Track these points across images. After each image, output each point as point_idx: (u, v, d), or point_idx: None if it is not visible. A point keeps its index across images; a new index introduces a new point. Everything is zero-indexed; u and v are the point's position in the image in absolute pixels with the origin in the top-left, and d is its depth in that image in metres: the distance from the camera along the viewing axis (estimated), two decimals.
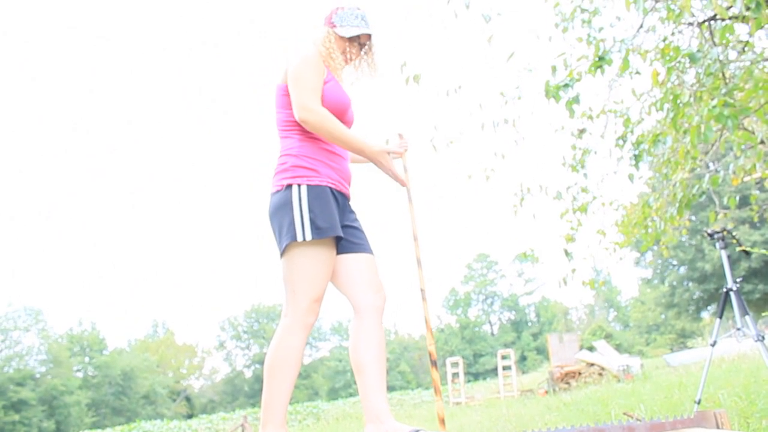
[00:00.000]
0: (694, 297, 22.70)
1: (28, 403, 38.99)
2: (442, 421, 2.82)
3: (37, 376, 42.92)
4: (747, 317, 3.85)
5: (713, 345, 4.05)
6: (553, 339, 15.57)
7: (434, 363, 2.88)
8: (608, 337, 33.04)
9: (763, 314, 18.69)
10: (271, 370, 2.14)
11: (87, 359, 49.53)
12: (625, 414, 4.64)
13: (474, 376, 49.04)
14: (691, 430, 2.04)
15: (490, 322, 63.27)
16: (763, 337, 3.84)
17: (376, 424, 2.09)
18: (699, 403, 4.05)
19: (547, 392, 13.51)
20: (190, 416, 53.93)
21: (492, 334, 61.47)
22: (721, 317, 4.07)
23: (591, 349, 14.08)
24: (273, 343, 2.18)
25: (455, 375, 17.84)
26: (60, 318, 69.16)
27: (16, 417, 37.84)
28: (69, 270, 68.87)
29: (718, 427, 2.04)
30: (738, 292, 3.93)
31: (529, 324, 60.69)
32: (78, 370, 48.66)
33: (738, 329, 3.90)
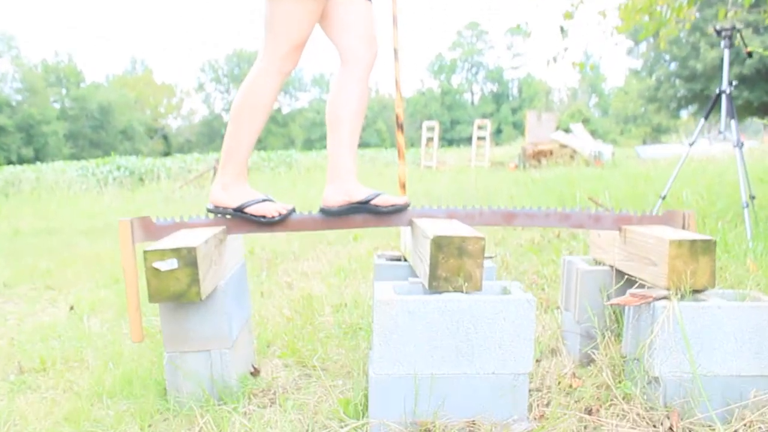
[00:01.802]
0: (678, 95, 22.49)
1: (5, 130, 39.30)
2: (403, 186, 2.79)
3: (13, 103, 42.64)
4: (732, 122, 3.75)
5: (691, 144, 4.00)
6: (531, 116, 15.61)
7: (400, 126, 2.78)
8: (586, 121, 33.35)
9: (743, 120, 18.77)
10: (238, 112, 2.00)
11: (64, 91, 48.97)
12: (590, 199, 4.74)
13: (448, 142, 50.08)
14: (657, 227, 2.02)
15: (471, 92, 63.17)
16: (743, 144, 3.78)
17: (337, 183, 2.01)
18: (664, 198, 4.11)
19: (517, 167, 13.90)
20: (166, 154, 55.22)
21: (472, 103, 61.68)
22: (707, 118, 3.96)
23: (567, 130, 14.22)
24: (244, 84, 2.01)
25: (430, 139, 18.15)
26: (34, 46, 66.88)
27: None
28: None
29: (684, 228, 2.02)
30: (730, 96, 3.77)
31: (511, 98, 60.77)
32: (55, 101, 48.40)
33: (720, 132, 3.82)
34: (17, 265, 4.58)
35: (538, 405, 1.75)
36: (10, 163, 39.95)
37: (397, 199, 2.00)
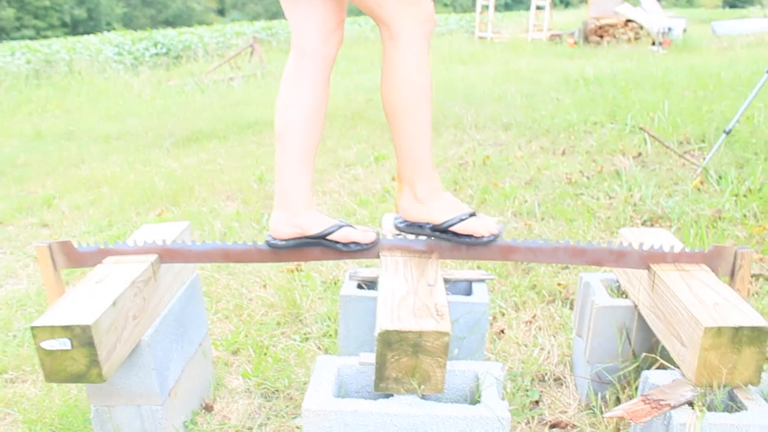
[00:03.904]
0: None
1: None
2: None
3: None
4: None
5: None
6: None
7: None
8: None
9: None
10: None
11: None
12: (641, 128, 4.14)
13: None
14: (693, 268, 1.57)
15: None
16: None
17: (286, 211, 1.55)
18: (728, 133, 3.50)
19: (576, 43, 12.79)
20: (221, 11, 53.77)
21: None
22: None
23: (635, 4, 12.79)
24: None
25: (485, 7, 16.86)
26: None
27: (47, 2, 37.98)
28: None
29: (733, 272, 1.57)
30: None
31: None
32: None
33: None
34: (20, 190, 4.40)
35: None
36: (64, 25, 39.89)
37: (361, 236, 1.59)
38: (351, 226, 1.61)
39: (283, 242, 1.59)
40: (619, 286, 1.85)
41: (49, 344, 1.36)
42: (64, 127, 6.52)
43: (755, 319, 1.31)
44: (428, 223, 1.58)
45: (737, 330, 1.29)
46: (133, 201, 3.91)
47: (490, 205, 3.48)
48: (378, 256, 1.62)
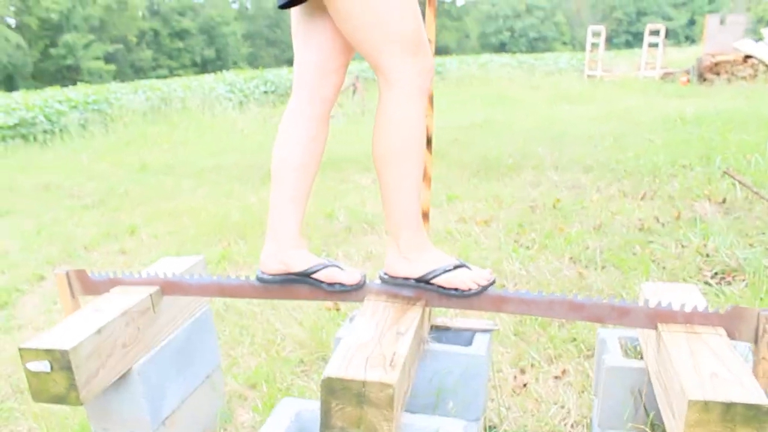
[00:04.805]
0: None
1: (189, 32, 42.01)
2: (426, 215, 2.29)
3: (195, 5, 45.19)
4: None
5: None
6: (712, 21, 13.22)
7: (428, 141, 2.25)
8: None
9: None
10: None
11: None
12: (725, 172, 3.84)
13: (633, 35, 45.69)
14: (706, 330, 1.41)
15: None
16: None
17: (275, 245, 1.55)
18: None
19: (689, 81, 12.16)
20: None
21: None
22: None
23: (759, 39, 11.96)
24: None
25: (594, 45, 16.44)
26: None
27: (181, 44, 41.25)
28: None
29: (757, 337, 1.39)
30: None
31: None
32: (233, 2, 50.57)
33: None
34: (111, 219, 4.73)
35: None
36: (194, 64, 43.18)
37: (346, 277, 1.56)
38: (338, 266, 1.59)
39: (271, 277, 1.60)
40: (636, 346, 1.70)
41: (34, 366, 1.43)
42: (167, 160, 6.97)
43: (754, 396, 1.14)
44: (411, 279, 1.54)
45: (728, 406, 1.13)
46: (205, 232, 4.09)
47: (549, 250, 3.33)
48: (363, 300, 1.59)
